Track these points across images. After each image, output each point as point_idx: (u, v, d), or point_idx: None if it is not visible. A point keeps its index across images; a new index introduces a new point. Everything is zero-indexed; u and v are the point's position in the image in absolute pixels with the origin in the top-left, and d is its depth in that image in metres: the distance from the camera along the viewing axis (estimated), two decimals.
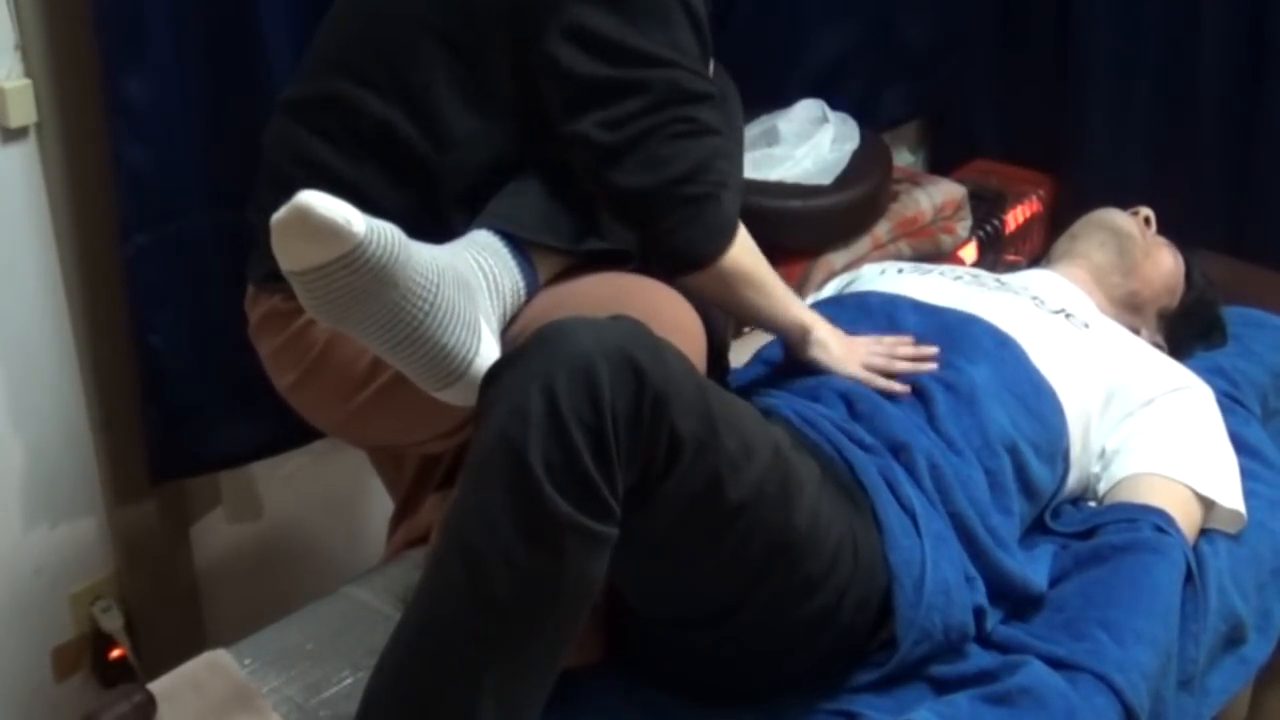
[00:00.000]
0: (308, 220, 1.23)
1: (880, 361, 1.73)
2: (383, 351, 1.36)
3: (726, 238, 1.55)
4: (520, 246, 1.45)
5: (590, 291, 1.50)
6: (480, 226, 1.46)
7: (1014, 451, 1.66)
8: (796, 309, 1.72)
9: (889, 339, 1.78)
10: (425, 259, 1.32)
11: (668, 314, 1.50)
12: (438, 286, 1.32)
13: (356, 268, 1.26)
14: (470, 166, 1.50)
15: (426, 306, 1.31)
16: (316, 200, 1.23)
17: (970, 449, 1.63)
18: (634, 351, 1.22)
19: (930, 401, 1.68)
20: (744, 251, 1.59)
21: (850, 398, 1.68)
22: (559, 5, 1.45)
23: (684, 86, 1.48)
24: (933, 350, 1.75)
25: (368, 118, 1.49)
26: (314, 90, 1.54)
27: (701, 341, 1.54)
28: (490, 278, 1.41)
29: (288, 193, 1.25)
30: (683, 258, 1.54)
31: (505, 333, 1.46)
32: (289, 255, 1.27)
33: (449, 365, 1.34)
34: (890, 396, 1.68)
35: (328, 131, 1.52)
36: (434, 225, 1.44)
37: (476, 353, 1.35)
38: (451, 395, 1.37)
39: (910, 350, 1.76)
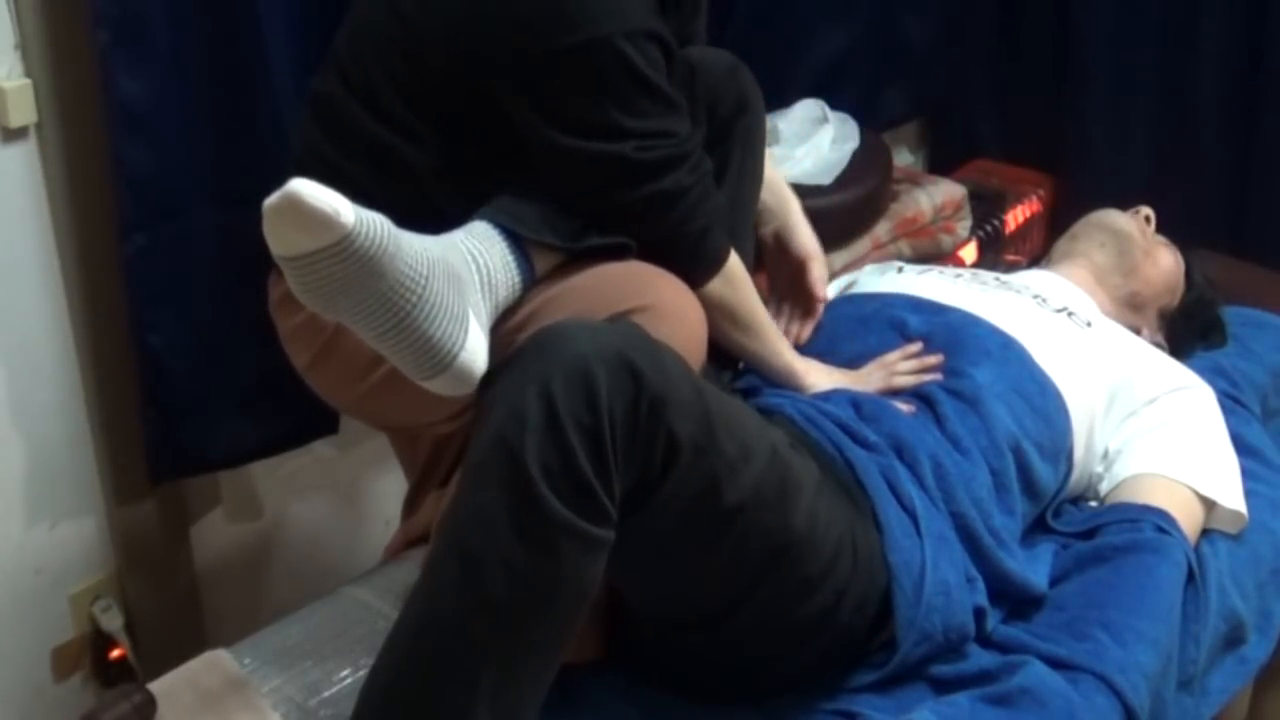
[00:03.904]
0: (298, 208, 1.24)
1: (880, 384, 1.73)
2: (369, 339, 1.36)
3: (705, 269, 1.59)
4: (520, 241, 1.46)
5: (593, 280, 1.51)
6: (482, 219, 1.47)
7: (1018, 451, 1.66)
8: (788, 355, 1.73)
9: (891, 356, 1.78)
10: (416, 251, 1.32)
11: (669, 301, 1.51)
12: (426, 279, 1.33)
13: (344, 258, 1.27)
14: (445, 169, 1.51)
15: (414, 299, 1.32)
16: (307, 189, 1.23)
17: (976, 448, 1.63)
18: (631, 355, 1.22)
19: (936, 404, 1.68)
20: (729, 287, 1.63)
21: (858, 399, 1.68)
22: (505, 66, 1.46)
23: (636, 163, 1.49)
24: (935, 360, 1.75)
25: (353, 120, 1.52)
26: (322, 87, 1.58)
27: (703, 329, 1.55)
28: (484, 272, 1.42)
29: None
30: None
31: (504, 324, 1.47)
32: (278, 240, 1.28)
33: (434, 357, 1.35)
34: None
35: (330, 129, 1.55)
36: (430, 218, 1.45)
37: (462, 346, 1.36)
38: (437, 385, 1.38)
39: (912, 364, 1.76)
